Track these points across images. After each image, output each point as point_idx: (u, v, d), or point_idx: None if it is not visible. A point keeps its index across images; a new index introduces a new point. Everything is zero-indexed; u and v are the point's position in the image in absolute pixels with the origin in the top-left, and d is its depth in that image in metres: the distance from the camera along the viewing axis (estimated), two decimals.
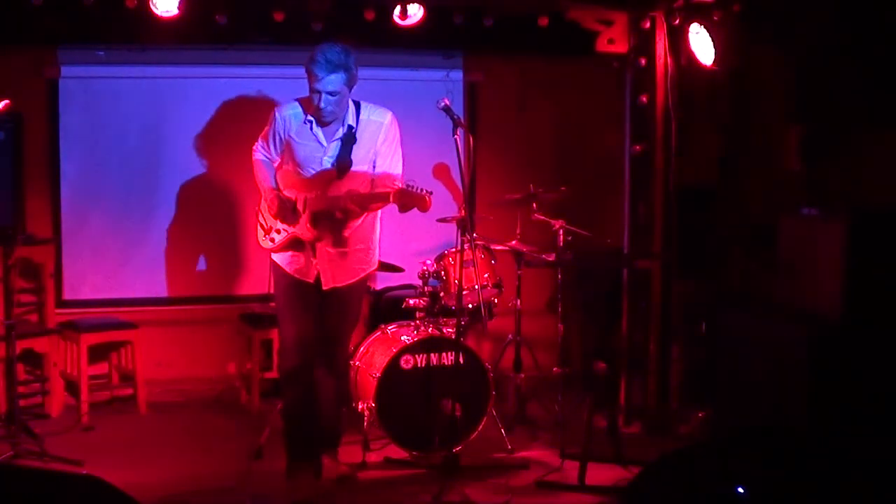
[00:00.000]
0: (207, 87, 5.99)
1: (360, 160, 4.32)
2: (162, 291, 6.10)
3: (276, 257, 4.49)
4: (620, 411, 5.42)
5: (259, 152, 4.51)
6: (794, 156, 5.18)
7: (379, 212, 4.51)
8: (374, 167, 4.35)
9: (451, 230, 5.19)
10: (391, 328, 5.14)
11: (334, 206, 4.27)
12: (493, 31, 5.41)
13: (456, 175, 6.30)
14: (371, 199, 4.29)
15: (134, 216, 6.03)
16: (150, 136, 6.00)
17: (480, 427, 4.86)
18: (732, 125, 5.78)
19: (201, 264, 6.13)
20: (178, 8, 4.87)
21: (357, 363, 5.08)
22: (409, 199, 4.12)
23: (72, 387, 5.65)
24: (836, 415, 4.02)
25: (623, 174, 5.52)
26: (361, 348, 5.15)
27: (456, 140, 4.31)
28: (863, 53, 4.74)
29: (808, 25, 4.98)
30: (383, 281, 6.14)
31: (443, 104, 4.32)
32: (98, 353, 5.84)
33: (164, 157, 6.04)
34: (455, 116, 4.32)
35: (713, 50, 5.02)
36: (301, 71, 4.32)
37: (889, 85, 4.62)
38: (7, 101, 4.57)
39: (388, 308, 5.89)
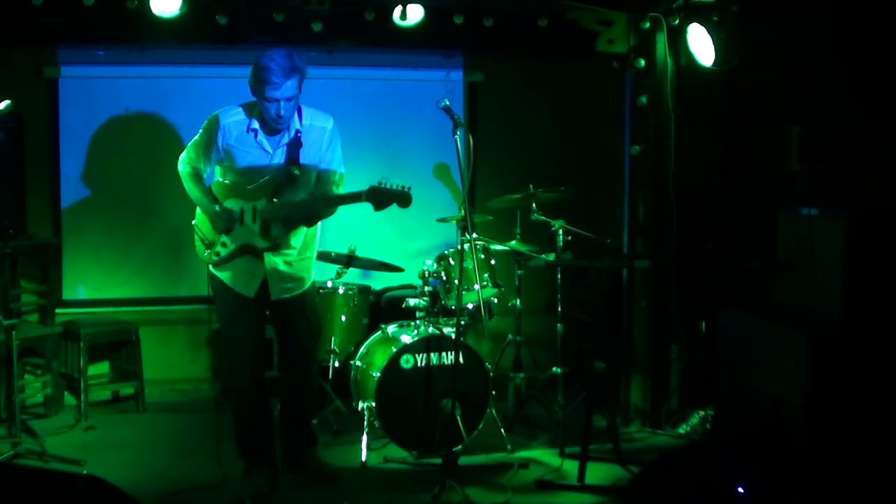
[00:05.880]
0: (207, 87, 5.99)
1: (307, 165, 4.24)
2: (162, 291, 6.11)
3: (215, 271, 4.35)
4: (620, 411, 5.43)
5: (185, 165, 4.34)
6: (794, 156, 5.18)
7: (319, 223, 4.41)
8: (318, 171, 4.29)
9: (451, 230, 5.20)
10: (391, 328, 5.14)
11: (293, 210, 4.17)
12: (493, 31, 5.41)
13: (456, 175, 6.30)
14: (341, 199, 4.21)
15: (134, 216, 6.04)
16: (150, 136, 6.01)
17: (480, 427, 4.87)
18: (732, 125, 5.78)
19: (201, 264, 6.11)
20: (178, 8, 4.88)
21: (357, 363, 5.09)
22: (384, 197, 4.06)
23: (72, 386, 5.66)
24: (836, 415, 4.02)
25: (623, 174, 5.53)
26: (361, 348, 5.15)
27: (456, 140, 4.32)
28: (862, 53, 4.74)
29: (807, 25, 4.98)
30: (383, 281, 6.15)
31: (443, 104, 4.32)
32: (98, 353, 5.85)
33: (164, 158, 6.00)
34: (455, 116, 4.32)
35: (713, 50, 5.02)
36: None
37: (888, 84, 4.62)
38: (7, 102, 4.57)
39: (388, 308, 5.89)
